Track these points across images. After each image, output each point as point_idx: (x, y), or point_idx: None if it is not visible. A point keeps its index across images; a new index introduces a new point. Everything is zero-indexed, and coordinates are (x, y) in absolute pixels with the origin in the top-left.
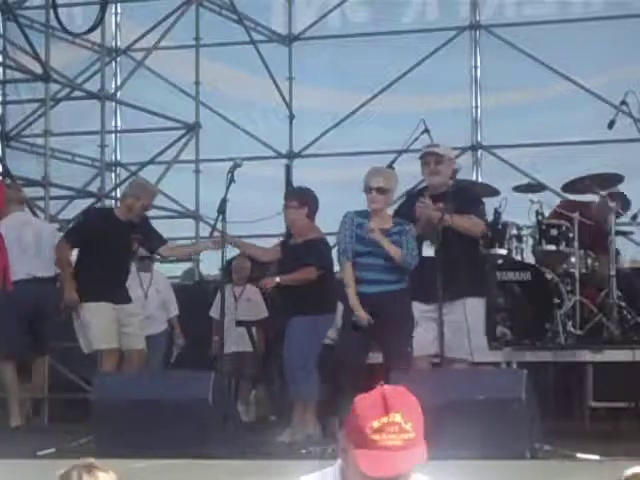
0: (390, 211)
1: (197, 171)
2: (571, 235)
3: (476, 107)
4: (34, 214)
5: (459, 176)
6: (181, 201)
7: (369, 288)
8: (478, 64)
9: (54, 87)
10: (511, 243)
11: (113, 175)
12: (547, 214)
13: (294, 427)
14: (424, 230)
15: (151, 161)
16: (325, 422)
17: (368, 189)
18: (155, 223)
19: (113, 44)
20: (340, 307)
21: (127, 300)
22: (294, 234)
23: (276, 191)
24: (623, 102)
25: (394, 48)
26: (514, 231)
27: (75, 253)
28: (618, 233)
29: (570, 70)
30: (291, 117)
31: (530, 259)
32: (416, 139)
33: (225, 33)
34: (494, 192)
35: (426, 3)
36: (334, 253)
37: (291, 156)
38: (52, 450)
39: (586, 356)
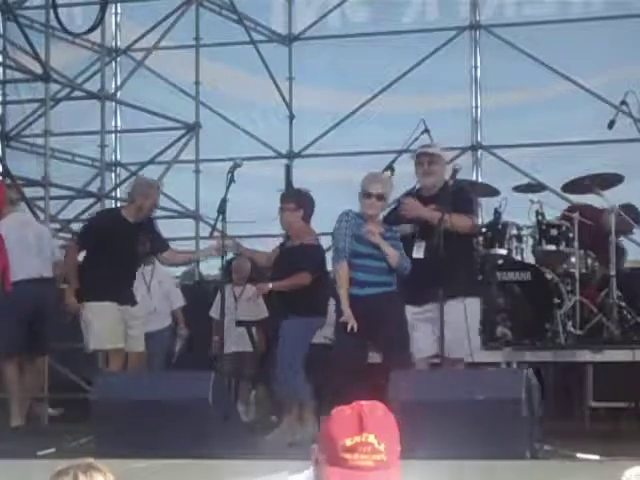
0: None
1: (197, 171)
2: (571, 235)
3: (476, 107)
4: (34, 214)
5: (459, 176)
6: (181, 201)
7: (369, 290)
8: (478, 64)
9: (54, 87)
10: (511, 243)
11: (113, 175)
12: (548, 215)
13: (283, 428)
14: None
15: (151, 161)
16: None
17: (367, 195)
18: None
19: (113, 44)
20: (333, 305)
21: (132, 302)
22: (291, 236)
23: (276, 191)
24: (623, 102)
25: (394, 48)
26: (514, 231)
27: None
28: (621, 233)
29: (570, 70)
30: (291, 117)
31: (530, 259)
32: (416, 139)
33: (225, 33)
34: (494, 192)
35: (426, 3)
36: (329, 251)
37: (291, 156)
38: (52, 450)
39: (586, 356)
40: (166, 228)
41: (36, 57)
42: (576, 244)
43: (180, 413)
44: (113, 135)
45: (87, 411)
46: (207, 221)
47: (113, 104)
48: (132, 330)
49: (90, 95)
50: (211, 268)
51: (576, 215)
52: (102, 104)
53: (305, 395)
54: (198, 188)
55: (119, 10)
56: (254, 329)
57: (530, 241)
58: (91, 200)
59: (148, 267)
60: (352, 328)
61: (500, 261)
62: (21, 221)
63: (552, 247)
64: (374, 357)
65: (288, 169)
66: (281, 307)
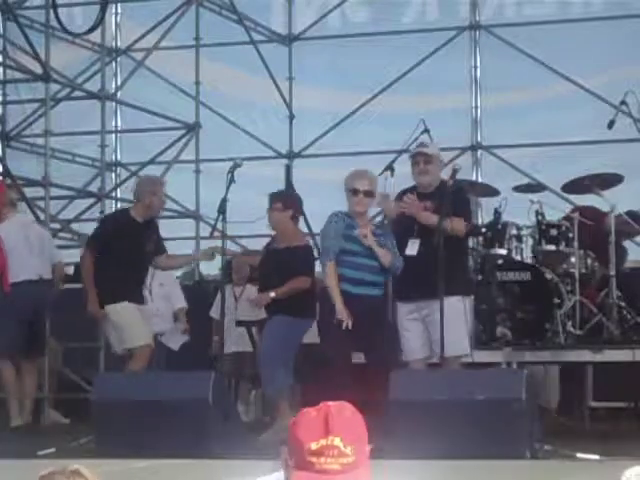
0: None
1: (197, 171)
2: (571, 235)
3: (476, 107)
4: (34, 214)
5: (459, 176)
6: (181, 201)
7: (353, 288)
8: (478, 64)
9: (54, 87)
10: (511, 243)
11: (113, 175)
12: (548, 215)
13: (276, 428)
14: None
15: (151, 161)
16: None
17: (354, 191)
18: None
19: (113, 44)
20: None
21: (143, 301)
22: (278, 237)
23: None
24: (623, 102)
25: (394, 48)
26: (514, 231)
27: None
28: (626, 236)
29: (570, 70)
30: (291, 117)
31: (530, 259)
32: (416, 139)
33: (225, 33)
34: (494, 192)
35: (426, 3)
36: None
37: (291, 156)
38: (52, 450)
39: (586, 356)
40: (166, 228)
41: (36, 57)
42: (576, 244)
43: (180, 413)
44: (113, 135)
45: (87, 411)
46: (207, 221)
47: (113, 104)
48: (147, 324)
49: (90, 95)
50: (211, 268)
51: (576, 215)
52: (102, 104)
53: (289, 394)
54: (198, 188)
55: (119, 10)
56: (254, 329)
57: (530, 241)
58: (91, 200)
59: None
60: (345, 326)
61: (500, 261)
62: (22, 223)
63: (552, 247)
64: (359, 358)
65: (288, 169)
66: (268, 307)
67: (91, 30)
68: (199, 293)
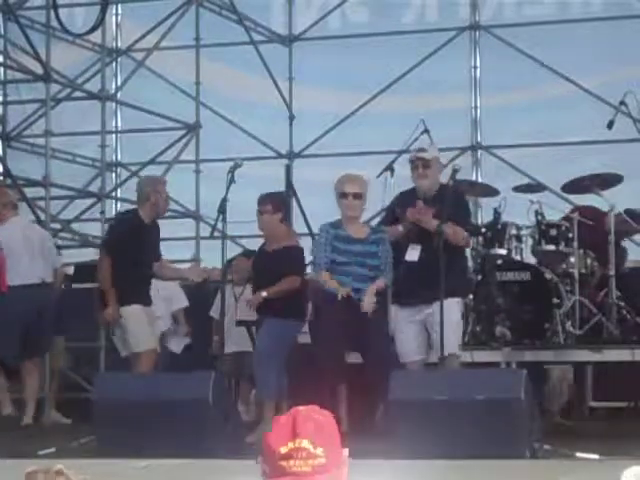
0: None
1: (197, 171)
2: (570, 235)
3: (476, 107)
4: (35, 214)
5: (459, 176)
6: (181, 201)
7: (354, 295)
8: (478, 64)
9: (55, 87)
10: (511, 243)
11: (114, 175)
12: (548, 215)
13: (259, 429)
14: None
15: (151, 161)
16: None
17: (344, 195)
18: None
19: (114, 44)
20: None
21: (151, 302)
22: (269, 239)
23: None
24: (622, 102)
25: (394, 48)
26: (514, 231)
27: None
28: (625, 235)
29: (570, 70)
30: (291, 117)
31: (530, 259)
32: (416, 139)
33: (225, 33)
34: (494, 192)
35: (426, 4)
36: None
37: (291, 156)
38: (53, 450)
39: (585, 356)
40: (166, 228)
41: (37, 57)
42: (575, 244)
43: (180, 413)
44: (114, 135)
45: (88, 411)
46: (207, 221)
47: (114, 104)
48: (153, 327)
49: (91, 95)
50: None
51: (576, 215)
52: (103, 104)
53: (279, 395)
54: (198, 188)
55: (120, 10)
56: (254, 329)
57: (530, 241)
58: (92, 200)
59: None
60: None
61: (500, 261)
62: (23, 225)
63: (551, 247)
64: (355, 358)
65: (288, 169)
66: (259, 310)
67: (91, 30)
68: (199, 293)
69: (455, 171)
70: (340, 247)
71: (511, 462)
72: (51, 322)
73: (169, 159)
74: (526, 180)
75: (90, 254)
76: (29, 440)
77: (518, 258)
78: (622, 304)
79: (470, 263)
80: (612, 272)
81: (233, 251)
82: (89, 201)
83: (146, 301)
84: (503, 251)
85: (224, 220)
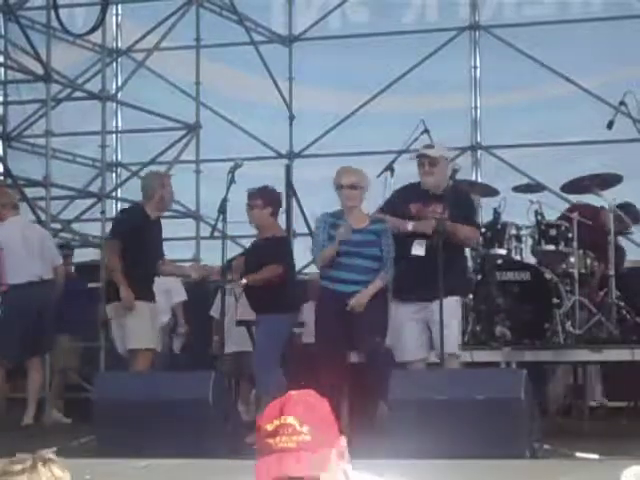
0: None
1: (198, 171)
2: (570, 235)
3: (476, 107)
4: (35, 214)
5: (459, 176)
6: (182, 201)
7: (347, 287)
8: (478, 64)
9: (55, 87)
10: (510, 243)
11: (114, 175)
12: (548, 215)
13: None
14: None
15: (152, 161)
16: None
17: (340, 187)
18: None
19: (114, 45)
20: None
21: (154, 298)
22: (259, 232)
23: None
24: (622, 102)
25: (394, 48)
26: (513, 231)
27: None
28: (618, 233)
29: (569, 70)
30: (291, 117)
31: (529, 259)
32: (416, 139)
33: (225, 34)
34: (493, 192)
35: (426, 4)
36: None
37: (291, 156)
38: (53, 449)
39: (585, 356)
40: (167, 228)
41: (37, 58)
42: (575, 244)
43: (180, 413)
44: (114, 135)
45: (88, 410)
46: (208, 221)
47: (114, 104)
48: (155, 328)
49: (91, 95)
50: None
51: (575, 215)
52: (103, 104)
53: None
54: (199, 188)
55: (120, 11)
56: (254, 328)
57: (529, 241)
58: (92, 200)
59: None
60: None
61: (499, 261)
62: (21, 224)
63: (551, 247)
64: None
65: (288, 169)
66: (252, 306)
67: (92, 31)
68: (199, 293)
69: (455, 171)
70: (333, 236)
71: (511, 462)
72: (52, 321)
73: (169, 159)
74: (526, 180)
75: (90, 254)
76: (29, 440)
77: (518, 258)
78: (622, 304)
79: (470, 263)
80: (612, 272)
81: (233, 251)
82: (89, 201)
83: (150, 297)
84: (503, 251)
85: (224, 220)
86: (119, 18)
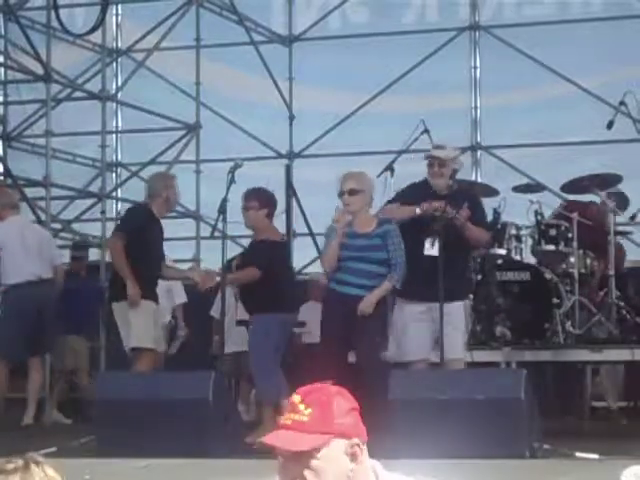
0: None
1: (198, 171)
2: (570, 235)
3: (475, 107)
4: (35, 214)
5: (458, 176)
6: (182, 201)
7: (352, 290)
8: (478, 65)
9: (55, 88)
10: (510, 243)
11: (114, 175)
12: (547, 215)
13: (262, 429)
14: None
15: (152, 161)
16: None
17: (341, 193)
18: None
19: (114, 45)
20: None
21: (157, 298)
22: (255, 234)
23: (276, 191)
24: (622, 102)
25: (394, 49)
26: (513, 231)
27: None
28: (618, 233)
29: (569, 70)
30: (291, 117)
31: (529, 259)
32: (416, 139)
33: (225, 34)
34: (493, 192)
35: (426, 4)
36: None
37: (291, 156)
38: (54, 449)
39: (585, 356)
40: (167, 228)
41: (37, 58)
42: (575, 244)
43: (180, 413)
44: (114, 135)
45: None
46: (208, 221)
47: (114, 104)
48: (160, 328)
49: (91, 95)
50: (212, 268)
51: (575, 215)
52: (103, 104)
53: (278, 394)
54: (199, 188)
55: (120, 11)
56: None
57: (529, 241)
58: (92, 200)
59: None
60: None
61: (499, 261)
62: (20, 224)
63: (551, 247)
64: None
65: (288, 169)
66: (245, 308)
67: (92, 31)
68: (199, 293)
69: (455, 171)
70: (345, 242)
71: (511, 462)
72: (52, 320)
73: (169, 159)
74: (526, 180)
75: (91, 254)
76: (29, 440)
77: (518, 258)
78: (622, 304)
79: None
80: (612, 272)
81: (233, 251)
82: (89, 201)
83: (154, 297)
84: (503, 251)
85: (224, 220)
86: (119, 18)
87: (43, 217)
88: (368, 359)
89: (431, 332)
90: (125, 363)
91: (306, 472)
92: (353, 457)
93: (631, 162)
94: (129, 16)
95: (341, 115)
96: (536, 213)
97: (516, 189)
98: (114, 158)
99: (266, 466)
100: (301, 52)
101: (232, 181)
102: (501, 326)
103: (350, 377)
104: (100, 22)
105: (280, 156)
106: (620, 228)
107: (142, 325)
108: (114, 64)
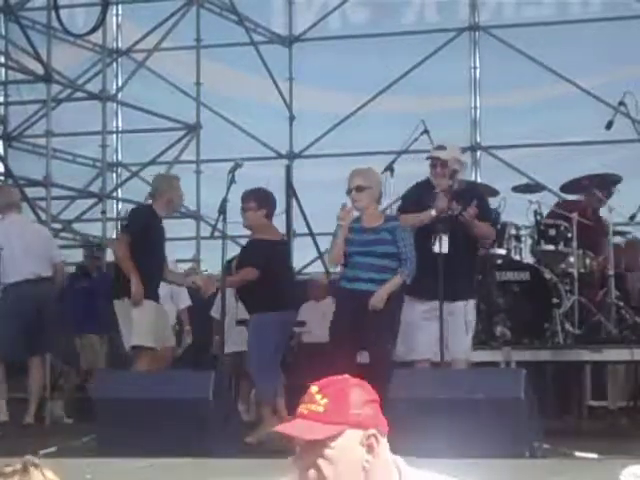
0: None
1: (198, 172)
2: (569, 235)
3: (475, 108)
4: (36, 214)
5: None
6: None
7: (361, 285)
8: (477, 65)
9: (56, 88)
10: (510, 243)
11: (114, 175)
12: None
13: (262, 429)
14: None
15: (152, 161)
16: None
17: (349, 191)
18: None
19: (114, 45)
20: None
21: (158, 298)
22: (252, 234)
23: (276, 191)
24: (621, 103)
25: (394, 49)
26: (513, 231)
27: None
28: (617, 233)
29: (569, 71)
30: (291, 118)
31: (529, 259)
32: (416, 139)
33: (226, 34)
34: (493, 192)
35: (425, 4)
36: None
37: (291, 156)
38: (54, 449)
39: (584, 355)
40: (167, 228)
41: (38, 58)
42: (574, 244)
43: (181, 412)
44: (114, 135)
45: (89, 410)
46: (208, 221)
47: (114, 105)
48: (167, 329)
49: (91, 96)
50: (212, 268)
51: (574, 215)
52: (103, 105)
53: (275, 394)
54: (199, 188)
55: (120, 11)
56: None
57: (529, 241)
58: (92, 200)
59: None
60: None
61: (499, 261)
62: (19, 223)
63: (551, 247)
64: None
65: (288, 169)
66: (245, 306)
67: (92, 31)
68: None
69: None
70: (353, 238)
71: (511, 462)
72: (52, 319)
73: (170, 159)
74: (525, 180)
75: None
76: (30, 439)
77: (517, 258)
78: (621, 304)
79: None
80: (611, 272)
81: (233, 251)
82: (90, 201)
83: (156, 297)
84: (502, 251)
85: (224, 220)
86: (119, 18)
87: (43, 217)
88: (376, 354)
89: (432, 332)
90: (125, 363)
91: (320, 461)
92: (369, 448)
93: (631, 162)
94: (129, 16)
95: (341, 115)
96: (535, 213)
97: (516, 189)
98: (114, 158)
99: (266, 466)
100: (301, 52)
101: (232, 181)
102: (501, 326)
103: (358, 377)
104: (100, 22)
105: (280, 156)
106: (619, 228)
107: (144, 323)
108: (114, 64)
